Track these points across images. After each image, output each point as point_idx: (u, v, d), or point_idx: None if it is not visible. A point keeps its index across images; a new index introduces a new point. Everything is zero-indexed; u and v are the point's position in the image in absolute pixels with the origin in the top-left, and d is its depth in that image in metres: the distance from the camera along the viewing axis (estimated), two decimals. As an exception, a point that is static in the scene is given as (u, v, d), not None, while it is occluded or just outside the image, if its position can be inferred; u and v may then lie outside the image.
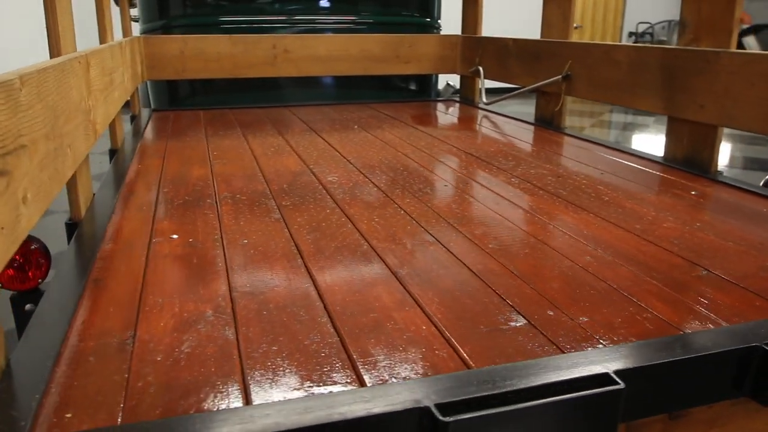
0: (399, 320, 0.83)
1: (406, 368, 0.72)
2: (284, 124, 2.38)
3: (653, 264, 1.02)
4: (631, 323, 0.82)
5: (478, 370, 0.70)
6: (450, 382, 0.65)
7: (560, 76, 2.15)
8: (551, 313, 0.85)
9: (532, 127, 2.30)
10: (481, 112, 2.70)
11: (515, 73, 2.51)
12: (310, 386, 0.69)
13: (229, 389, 0.68)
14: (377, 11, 3.09)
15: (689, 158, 1.68)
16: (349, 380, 0.70)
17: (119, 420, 0.63)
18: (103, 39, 1.83)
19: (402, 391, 0.63)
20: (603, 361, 0.69)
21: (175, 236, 1.15)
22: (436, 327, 0.81)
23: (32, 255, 1.06)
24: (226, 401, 0.66)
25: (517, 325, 0.82)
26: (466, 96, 3.05)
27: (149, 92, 2.96)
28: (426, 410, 0.60)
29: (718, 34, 1.55)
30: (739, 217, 1.25)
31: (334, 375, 0.71)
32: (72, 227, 1.22)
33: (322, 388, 0.68)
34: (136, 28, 2.91)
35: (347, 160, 1.76)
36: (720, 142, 1.61)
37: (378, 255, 1.06)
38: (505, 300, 0.89)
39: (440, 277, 0.97)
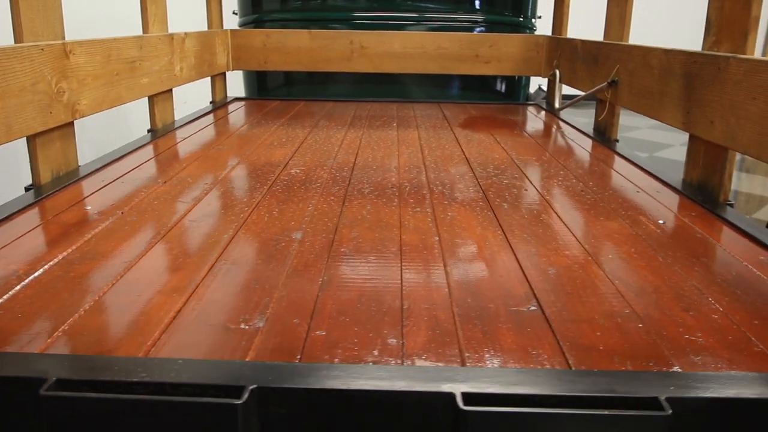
0: (170, 306, 0.83)
1: (105, 344, 0.73)
2: (333, 117, 2.43)
3: (488, 293, 0.89)
4: (362, 346, 0.74)
5: (138, 358, 0.69)
6: (93, 363, 0.65)
7: (606, 83, 1.93)
8: (296, 321, 0.80)
9: (576, 138, 2.08)
10: (544, 119, 2.51)
11: (580, 77, 2.29)
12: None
13: None
14: (472, 9, 3.00)
15: (703, 184, 1.41)
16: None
17: None
18: (145, 31, 2.03)
19: (35, 363, 0.65)
20: (248, 373, 0.64)
21: (89, 207, 1.26)
22: (196, 316, 0.81)
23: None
24: None
25: (257, 326, 0.78)
26: (549, 100, 2.84)
27: (243, 81, 3.19)
28: (40, 381, 0.62)
29: (735, 36, 1.29)
30: (678, 258, 1.03)
31: (48, 349, 0.74)
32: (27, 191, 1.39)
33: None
34: (233, 21, 3.16)
35: (334, 156, 1.75)
36: (732, 166, 1.33)
37: (233, 243, 1.06)
38: (284, 305, 0.85)
39: (266, 274, 0.94)
